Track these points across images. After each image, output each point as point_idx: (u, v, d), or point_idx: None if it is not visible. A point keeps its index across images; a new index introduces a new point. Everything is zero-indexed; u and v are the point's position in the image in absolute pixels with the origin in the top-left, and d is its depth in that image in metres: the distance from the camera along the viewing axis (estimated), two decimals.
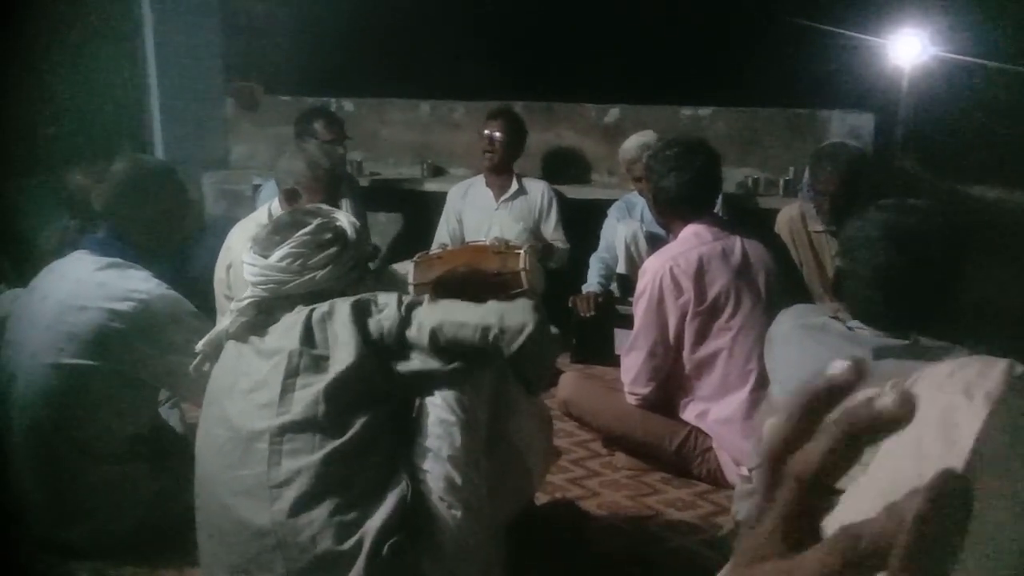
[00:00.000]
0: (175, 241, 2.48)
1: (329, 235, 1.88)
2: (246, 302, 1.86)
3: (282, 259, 1.83)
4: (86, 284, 2.23)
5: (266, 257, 1.85)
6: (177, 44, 5.01)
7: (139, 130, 4.94)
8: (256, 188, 4.51)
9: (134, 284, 2.24)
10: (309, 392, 1.75)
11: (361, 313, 1.79)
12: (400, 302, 1.82)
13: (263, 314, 1.86)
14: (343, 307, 1.80)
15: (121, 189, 2.35)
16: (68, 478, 2.21)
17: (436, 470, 1.78)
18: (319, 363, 1.77)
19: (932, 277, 1.77)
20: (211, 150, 5.31)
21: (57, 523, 2.23)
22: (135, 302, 2.21)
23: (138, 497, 2.24)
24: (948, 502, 0.48)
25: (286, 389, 1.77)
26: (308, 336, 1.78)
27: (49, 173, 3.82)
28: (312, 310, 1.80)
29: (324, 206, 2.11)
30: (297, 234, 1.85)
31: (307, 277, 1.83)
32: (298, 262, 1.84)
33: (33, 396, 2.20)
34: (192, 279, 3.02)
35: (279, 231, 1.88)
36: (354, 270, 1.92)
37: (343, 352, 1.76)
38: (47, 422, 2.20)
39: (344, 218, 1.95)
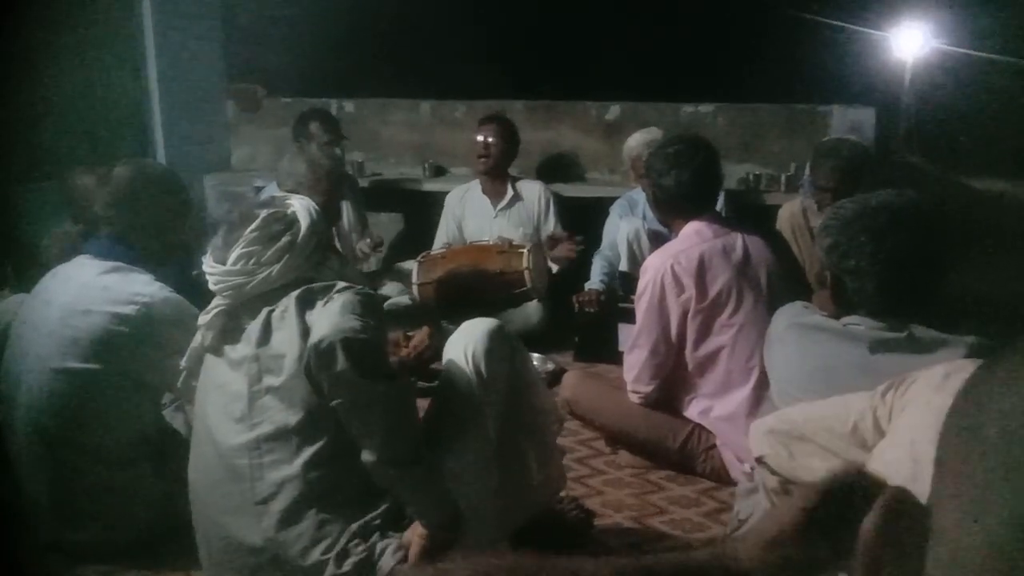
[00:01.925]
0: (178, 244, 2.49)
1: (279, 226, 1.79)
2: (212, 313, 1.79)
3: (235, 261, 1.76)
4: (90, 288, 2.24)
5: (223, 263, 1.78)
6: (178, 46, 5.02)
7: (141, 133, 4.95)
8: (258, 190, 4.51)
9: (137, 287, 2.25)
10: (273, 397, 1.70)
11: (305, 303, 1.71)
12: (324, 330, 1.65)
13: (232, 323, 1.79)
14: (294, 296, 1.72)
15: (123, 193, 2.35)
16: (74, 481, 2.22)
17: None
18: (276, 363, 1.71)
19: (919, 262, 1.76)
20: (213, 152, 5.32)
21: (63, 526, 2.24)
22: (139, 305, 2.22)
23: (143, 499, 2.24)
24: (900, 518, 0.48)
25: (253, 398, 1.72)
26: (266, 337, 1.72)
27: (51, 177, 3.84)
28: (272, 310, 1.74)
29: (280, 193, 2.03)
30: (246, 232, 1.77)
31: (262, 275, 1.75)
32: (252, 261, 1.75)
33: (38, 400, 2.21)
34: (195, 282, 3.03)
35: (232, 231, 1.80)
36: (313, 255, 1.82)
37: (291, 346, 1.69)
38: (52, 426, 2.20)
39: (298, 203, 1.86)
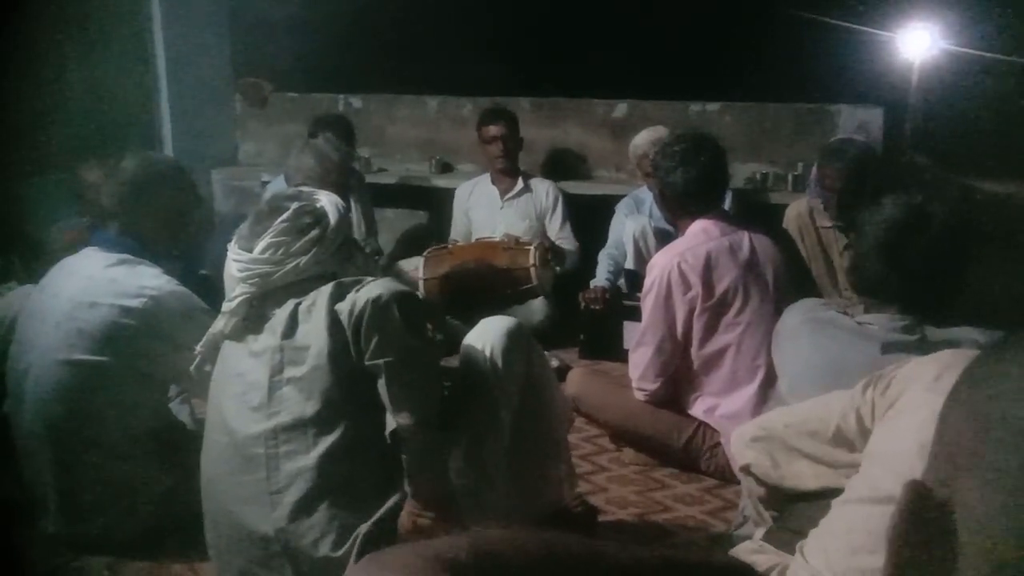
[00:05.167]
0: (185, 238, 2.49)
1: (308, 219, 1.82)
2: (236, 301, 1.81)
3: (264, 250, 1.78)
4: (97, 281, 2.24)
5: (250, 251, 1.80)
6: (186, 41, 5.03)
7: (148, 127, 4.96)
8: (264, 185, 4.52)
9: (145, 280, 2.25)
10: (293, 388, 1.72)
11: (335, 298, 1.73)
12: (380, 289, 1.70)
13: (255, 311, 1.81)
14: (325, 291, 1.74)
15: (130, 186, 2.35)
16: (80, 474, 2.23)
17: None
18: (300, 355, 1.73)
19: (945, 257, 1.78)
20: (220, 147, 5.33)
21: (69, 518, 2.25)
22: (146, 298, 2.22)
23: (149, 492, 2.25)
24: (922, 513, 0.48)
25: (273, 388, 1.74)
26: (291, 329, 1.74)
27: (59, 171, 3.85)
28: (299, 302, 1.76)
29: (306, 188, 2.05)
30: (276, 222, 1.80)
31: (291, 265, 1.78)
32: (280, 251, 1.78)
33: (45, 392, 2.21)
34: (202, 276, 3.04)
35: (260, 221, 1.83)
36: (340, 250, 1.86)
37: (317, 338, 1.71)
38: (59, 418, 2.21)
39: (326, 198, 1.89)
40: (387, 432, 1.70)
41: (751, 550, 1.45)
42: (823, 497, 1.36)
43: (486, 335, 1.90)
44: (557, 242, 4.18)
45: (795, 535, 1.35)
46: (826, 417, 1.42)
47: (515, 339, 1.91)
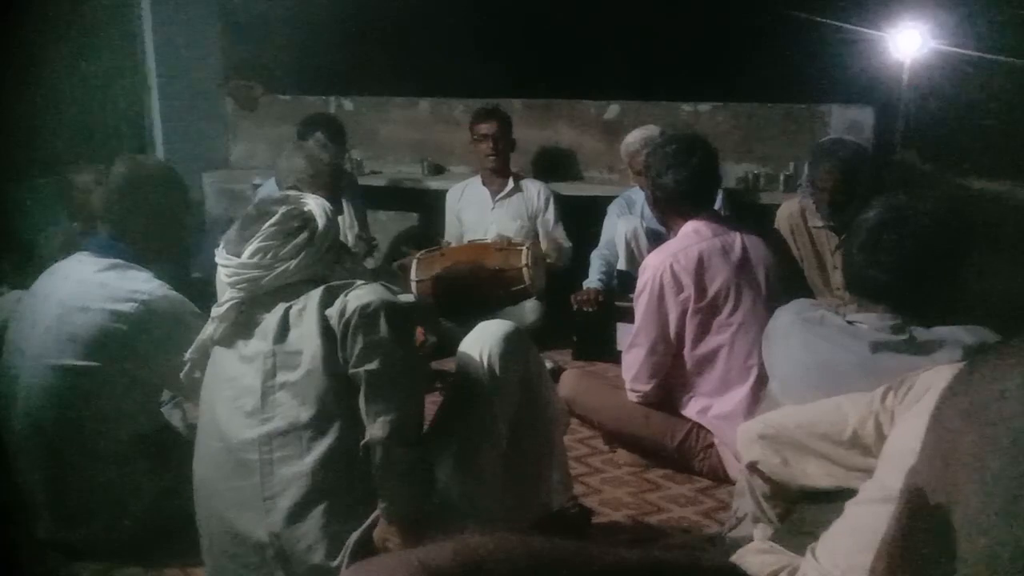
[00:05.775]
0: (176, 242, 2.48)
1: (296, 223, 1.81)
2: (225, 306, 1.80)
3: (252, 255, 1.77)
4: (88, 285, 2.24)
5: (238, 256, 1.79)
6: (177, 44, 5.02)
7: (139, 130, 4.95)
8: (256, 187, 4.51)
9: (135, 285, 2.24)
10: (287, 393, 1.71)
11: (325, 303, 1.71)
12: (369, 296, 1.67)
13: (245, 316, 1.80)
14: (315, 295, 1.73)
15: (121, 191, 2.35)
16: (71, 478, 2.22)
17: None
18: (293, 360, 1.72)
19: (929, 256, 1.79)
20: (211, 150, 5.32)
21: (61, 524, 2.24)
22: (136, 303, 2.21)
23: (141, 497, 2.24)
24: (920, 515, 0.48)
25: (266, 393, 1.73)
26: (283, 334, 1.73)
27: (50, 175, 3.83)
28: (289, 307, 1.75)
29: (293, 192, 2.03)
30: (264, 226, 1.79)
31: (279, 269, 1.77)
32: (269, 255, 1.77)
33: (36, 397, 2.20)
34: (193, 279, 3.03)
35: (248, 226, 1.82)
36: (329, 254, 1.85)
37: (309, 343, 1.71)
38: (50, 423, 2.20)
39: (313, 201, 1.88)
40: (361, 444, 1.65)
41: (759, 550, 1.45)
42: (834, 498, 1.36)
43: (483, 340, 1.89)
44: (550, 243, 4.18)
45: (806, 537, 1.36)
46: (839, 420, 1.43)
47: (513, 344, 1.90)
